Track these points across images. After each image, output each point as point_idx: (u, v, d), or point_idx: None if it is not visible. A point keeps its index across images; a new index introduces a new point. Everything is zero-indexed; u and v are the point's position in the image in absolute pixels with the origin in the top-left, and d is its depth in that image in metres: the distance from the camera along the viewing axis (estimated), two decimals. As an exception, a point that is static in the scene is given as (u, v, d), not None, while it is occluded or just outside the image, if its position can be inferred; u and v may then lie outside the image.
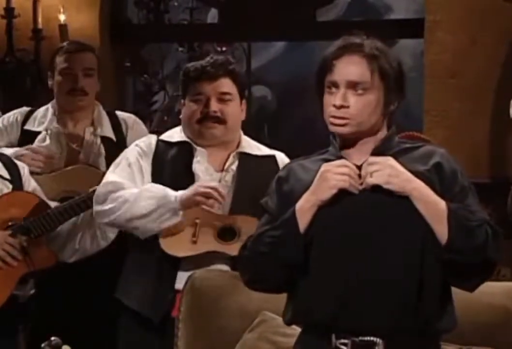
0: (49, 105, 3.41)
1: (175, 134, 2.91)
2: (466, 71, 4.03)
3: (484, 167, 3.96)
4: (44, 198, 3.07)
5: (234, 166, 2.85)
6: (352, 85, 2.10)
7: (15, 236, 2.95)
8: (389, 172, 2.07)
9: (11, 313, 2.95)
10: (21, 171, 3.07)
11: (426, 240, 2.09)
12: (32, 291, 3.06)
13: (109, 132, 3.37)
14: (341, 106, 2.10)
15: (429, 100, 4.07)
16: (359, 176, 2.11)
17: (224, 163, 2.85)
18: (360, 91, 2.10)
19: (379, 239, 2.09)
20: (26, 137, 3.34)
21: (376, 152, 2.14)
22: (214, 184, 2.76)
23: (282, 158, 2.91)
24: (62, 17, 4.25)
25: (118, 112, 3.46)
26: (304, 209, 2.10)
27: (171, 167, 2.83)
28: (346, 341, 2.09)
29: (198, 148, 2.84)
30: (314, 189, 2.10)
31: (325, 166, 2.11)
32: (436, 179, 2.12)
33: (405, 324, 2.09)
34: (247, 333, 2.56)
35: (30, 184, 3.08)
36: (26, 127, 3.37)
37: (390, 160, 2.09)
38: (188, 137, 2.87)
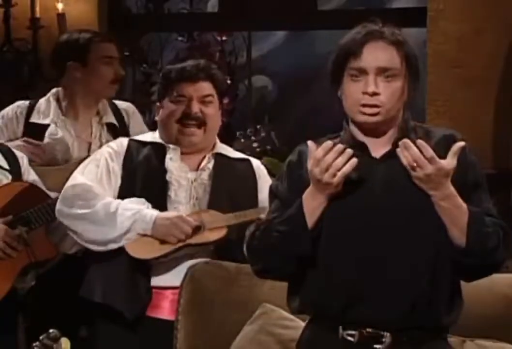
0: (49, 97, 3.38)
1: (148, 136, 2.90)
2: (470, 61, 4.01)
3: (488, 158, 3.94)
4: (44, 189, 3.05)
5: (210, 165, 2.83)
6: (382, 72, 2.06)
7: (15, 227, 2.94)
8: (430, 169, 1.99)
9: (10, 305, 2.94)
10: (20, 162, 3.05)
11: (439, 237, 2.07)
12: (33, 283, 3.04)
13: (112, 119, 3.37)
14: (374, 93, 2.05)
15: (433, 90, 4.05)
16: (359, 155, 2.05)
17: (200, 163, 2.83)
18: (388, 78, 2.07)
19: (392, 233, 2.07)
20: (32, 130, 3.31)
21: (394, 142, 2.10)
22: (193, 222, 2.71)
23: (257, 164, 2.92)
24: (60, 6, 4.23)
25: (117, 102, 3.45)
26: (314, 205, 2.08)
27: (143, 165, 2.81)
28: (353, 332, 2.08)
29: (171, 146, 2.82)
30: (319, 186, 2.05)
31: (311, 166, 2.03)
32: (455, 168, 2.08)
33: (413, 319, 2.08)
34: (247, 325, 2.56)
35: (29, 174, 3.06)
36: (32, 120, 3.34)
37: (448, 170, 2.00)
38: (162, 139, 2.84)
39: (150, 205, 2.76)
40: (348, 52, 2.07)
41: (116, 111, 3.39)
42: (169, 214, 2.74)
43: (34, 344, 2.00)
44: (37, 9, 4.24)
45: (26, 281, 3.02)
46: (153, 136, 2.88)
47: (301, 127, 5.48)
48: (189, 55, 4.92)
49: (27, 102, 3.38)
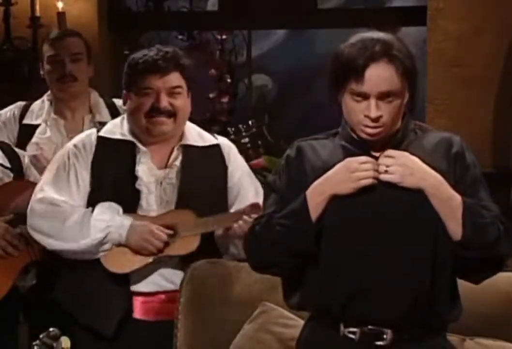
0: (44, 98, 3.39)
1: (116, 130, 2.81)
2: (469, 60, 4.01)
3: (487, 157, 3.94)
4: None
5: (177, 162, 2.76)
6: (383, 96, 2.06)
7: (16, 226, 2.93)
8: (402, 170, 2.06)
9: (11, 303, 2.93)
10: (22, 160, 3.06)
11: (439, 234, 2.08)
12: (34, 282, 3.04)
13: (107, 118, 3.35)
14: (377, 117, 2.06)
15: (432, 90, 4.04)
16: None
17: (168, 159, 2.77)
18: (390, 98, 2.07)
19: (392, 231, 2.08)
20: (26, 132, 3.31)
21: (394, 143, 2.13)
22: (164, 236, 2.68)
23: (226, 145, 2.84)
24: (60, 5, 4.22)
25: (115, 100, 3.44)
26: (318, 200, 2.09)
27: (113, 168, 2.74)
28: (354, 329, 2.09)
29: (141, 148, 2.75)
30: (334, 182, 2.08)
31: (350, 162, 2.08)
32: (453, 169, 2.11)
33: (415, 316, 2.09)
34: (247, 324, 2.56)
35: (31, 172, 3.07)
36: (25, 121, 3.34)
37: (405, 157, 2.07)
38: (132, 132, 2.77)
39: (121, 210, 2.71)
40: (348, 73, 2.06)
41: (114, 110, 3.38)
42: (141, 226, 2.68)
43: (34, 343, 1.99)
44: (37, 7, 4.23)
45: (26, 280, 3.02)
46: (121, 132, 2.78)
47: (301, 126, 5.48)
48: (189, 54, 4.90)
49: (23, 104, 3.38)
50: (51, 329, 2.00)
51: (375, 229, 2.08)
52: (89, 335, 2.72)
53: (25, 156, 3.09)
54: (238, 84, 5.15)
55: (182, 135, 2.79)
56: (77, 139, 2.84)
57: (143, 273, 2.71)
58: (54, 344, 1.98)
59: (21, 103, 3.39)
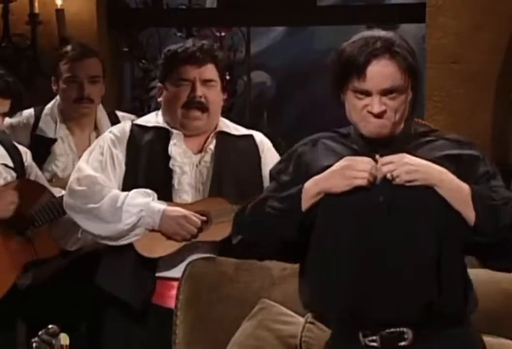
0: (53, 108, 3.35)
1: (151, 119, 2.89)
2: (469, 56, 4.02)
3: (486, 153, 3.93)
4: (47, 184, 3.07)
5: (212, 146, 2.83)
6: (386, 92, 2.06)
7: (18, 224, 2.94)
8: (406, 169, 2.06)
9: (10, 300, 2.93)
10: (24, 157, 3.06)
11: (442, 230, 2.08)
12: (33, 279, 3.05)
13: None
14: (381, 113, 2.06)
15: (431, 86, 4.05)
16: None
17: (203, 145, 2.83)
18: (393, 94, 2.07)
19: (396, 233, 2.07)
20: (38, 143, 3.29)
21: (398, 145, 2.13)
22: (198, 221, 2.73)
23: (260, 138, 2.92)
24: (59, 2, 4.23)
25: (118, 112, 3.45)
26: (312, 192, 2.10)
27: (146, 151, 2.81)
28: (374, 337, 2.08)
29: (175, 131, 2.82)
30: (329, 177, 2.09)
31: (348, 160, 2.09)
32: (455, 166, 2.10)
33: (431, 315, 2.07)
34: (246, 321, 2.55)
35: (32, 170, 3.07)
36: (38, 132, 3.33)
37: (404, 158, 2.07)
38: (166, 122, 2.84)
39: (156, 196, 2.76)
40: (350, 70, 2.06)
41: (116, 122, 3.36)
42: (175, 211, 2.73)
43: (33, 340, 1.99)
44: (36, 4, 4.23)
45: (26, 277, 3.02)
46: (156, 121, 2.87)
47: (300, 123, 5.49)
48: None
49: (32, 112, 3.35)
50: (50, 326, 1.99)
51: (378, 230, 2.07)
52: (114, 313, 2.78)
53: (27, 153, 3.09)
54: (237, 81, 5.14)
55: (217, 125, 2.86)
56: (112, 128, 2.93)
57: (173, 258, 2.75)
58: (53, 341, 1.98)
59: (30, 112, 3.35)
